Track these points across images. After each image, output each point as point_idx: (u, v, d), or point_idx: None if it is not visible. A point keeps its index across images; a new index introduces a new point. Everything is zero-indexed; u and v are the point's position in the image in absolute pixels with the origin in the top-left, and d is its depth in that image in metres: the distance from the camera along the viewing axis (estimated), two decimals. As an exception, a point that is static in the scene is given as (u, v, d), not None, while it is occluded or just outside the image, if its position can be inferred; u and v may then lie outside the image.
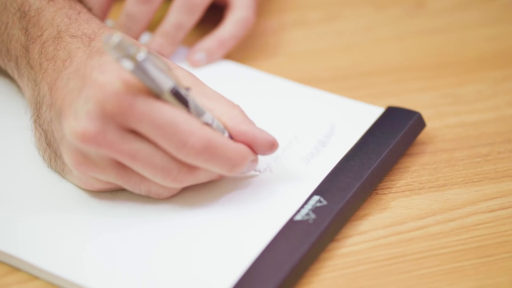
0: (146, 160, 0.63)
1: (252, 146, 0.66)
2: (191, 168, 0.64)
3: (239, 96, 0.79)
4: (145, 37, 0.87)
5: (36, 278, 0.64)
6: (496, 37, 0.90)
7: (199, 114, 0.64)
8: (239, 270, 0.62)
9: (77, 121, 0.62)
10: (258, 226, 0.65)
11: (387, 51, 0.89)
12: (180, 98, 0.63)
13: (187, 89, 0.64)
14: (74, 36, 0.69)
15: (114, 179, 0.65)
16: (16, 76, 0.74)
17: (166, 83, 0.62)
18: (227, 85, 0.81)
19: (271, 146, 0.66)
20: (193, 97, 0.64)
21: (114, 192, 0.68)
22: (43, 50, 0.70)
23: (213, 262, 0.63)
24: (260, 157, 0.70)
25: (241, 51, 0.88)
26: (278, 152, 0.72)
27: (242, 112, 0.67)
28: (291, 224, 0.65)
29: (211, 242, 0.64)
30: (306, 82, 0.82)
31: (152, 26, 0.87)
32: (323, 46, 0.90)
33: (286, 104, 0.78)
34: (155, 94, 0.63)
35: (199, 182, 0.66)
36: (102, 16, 0.84)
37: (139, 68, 0.61)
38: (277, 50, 0.89)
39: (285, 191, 0.68)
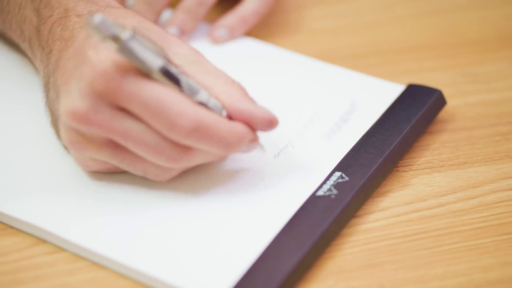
0: (138, 139, 0.63)
1: (250, 123, 0.65)
2: (185, 148, 0.64)
3: (260, 73, 0.80)
4: (167, 14, 0.87)
5: (62, 249, 0.64)
6: (516, 16, 0.90)
7: (193, 92, 0.63)
8: (263, 244, 0.63)
9: (70, 100, 0.62)
10: (281, 201, 0.66)
11: (407, 29, 0.89)
12: (170, 77, 0.62)
13: (178, 66, 0.63)
14: (79, 15, 0.69)
15: (108, 158, 0.65)
16: (30, 56, 0.75)
17: (154, 62, 0.62)
18: (248, 62, 0.82)
19: (269, 123, 0.65)
20: (187, 75, 0.63)
21: (113, 176, 0.68)
22: (51, 31, 0.70)
23: (236, 236, 0.64)
24: (281, 133, 0.71)
25: (262, 28, 0.88)
26: (299, 128, 0.72)
27: (241, 89, 0.65)
28: (313, 199, 0.66)
29: (233, 216, 0.65)
30: (326, 60, 0.82)
31: (173, 2, 0.88)
32: (343, 24, 0.90)
33: (307, 81, 0.79)
34: (145, 73, 0.62)
35: (197, 163, 0.65)
36: None
37: (124, 48, 0.61)
38: (297, 27, 0.89)
39: (307, 166, 0.69)
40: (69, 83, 0.63)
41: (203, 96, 0.63)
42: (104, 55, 0.62)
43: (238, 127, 0.64)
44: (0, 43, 0.81)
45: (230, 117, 0.65)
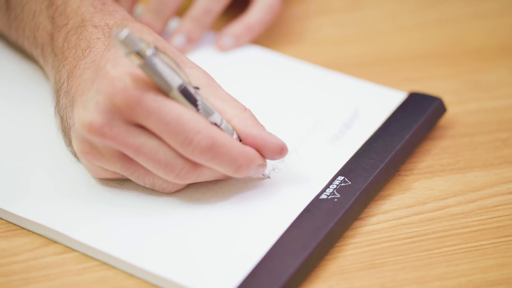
0: (150, 155, 0.64)
1: (261, 150, 0.66)
2: (195, 165, 0.65)
3: (265, 80, 0.81)
4: (174, 22, 0.89)
5: (71, 250, 0.66)
6: (517, 26, 0.92)
7: (207, 114, 0.65)
8: (268, 244, 0.64)
9: (86, 112, 0.64)
10: (286, 204, 0.67)
11: (410, 39, 0.91)
12: (188, 96, 0.64)
13: (196, 88, 0.65)
14: (96, 26, 0.70)
15: (119, 170, 0.66)
16: (41, 63, 0.76)
17: (175, 81, 0.63)
18: (254, 69, 0.83)
19: (280, 150, 0.67)
20: (203, 97, 0.65)
21: (122, 182, 0.70)
22: (66, 39, 0.71)
23: (242, 237, 0.65)
24: (286, 139, 0.73)
25: (267, 37, 0.90)
26: (303, 134, 0.74)
27: (253, 115, 0.67)
28: (317, 202, 0.67)
29: (239, 217, 0.67)
30: (330, 68, 0.84)
31: (180, 11, 0.90)
32: (346, 34, 0.92)
33: (312, 88, 0.81)
34: (164, 91, 0.64)
35: (203, 180, 0.67)
36: (131, 4, 0.86)
37: (147, 64, 0.62)
38: (302, 36, 0.91)
39: (311, 171, 0.70)
40: (85, 95, 0.64)
41: (216, 118, 0.65)
42: (123, 71, 0.63)
43: (249, 150, 0.66)
44: (11, 51, 0.83)
45: (240, 141, 0.67)
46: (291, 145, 0.73)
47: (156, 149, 0.64)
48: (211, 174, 0.67)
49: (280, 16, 0.93)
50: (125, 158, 0.66)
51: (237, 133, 0.66)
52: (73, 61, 0.69)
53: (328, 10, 0.95)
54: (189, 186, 0.69)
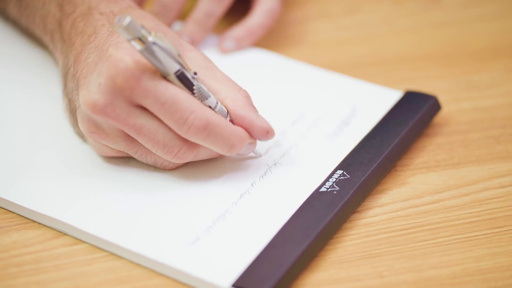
0: (150, 136, 0.68)
1: (248, 131, 0.70)
2: (192, 145, 0.69)
3: (266, 81, 0.84)
4: (177, 26, 0.91)
5: (80, 241, 0.68)
6: (507, 29, 0.94)
7: (203, 97, 0.68)
8: (270, 235, 0.66)
9: (90, 93, 0.67)
10: (287, 196, 0.70)
11: (405, 41, 0.93)
12: (185, 81, 0.67)
13: (194, 74, 0.68)
14: (102, 13, 0.73)
15: (123, 148, 0.70)
16: (51, 48, 0.80)
17: (172, 66, 0.67)
18: (255, 70, 0.86)
19: (266, 133, 0.70)
20: (199, 82, 0.68)
21: (127, 159, 0.73)
22: (74, 25, 0.75)
23: (245, 227, 0.67)
24: (286, 134, 0.76)
25: (267, 40, 0.92)
26: (303, 130, 0.77)
27: (246, 96, 0.70)
28: (317, 194, 0.70)
29: (243, 208, 0.69)
30: (329, 69, 0.86)
31: (182, 16, 0.92)
32: (344, 37, 0.95)
33: (311, 88, 0.83)
34: (162, 74, 0.67)
35: (200, 159, 0.70)
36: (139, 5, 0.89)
37: (147, 50, 0.65)
38: (301, 39, 0.94)
39: (311, 165, 0.73)
40: (88, 77, 0.68)
41: (212, 101, 0.68)
42: (124, 53, 0.66)
43: (239, 130, 0.69)
44: (23, 38, 0.86)
45: (232, 122, 0.70)
46: (292, 142, 0.75)
47: (156, 130, 0.67)
48: (208, 153, 0.70)
49: (280, 20, 0.95)
50: (128, 138, 0.69)
51: (229, 113, 0.70)
52: (79, 46, 0.72)
53: (327, 14, 0.98)
54: (190, 179, 0.71)
